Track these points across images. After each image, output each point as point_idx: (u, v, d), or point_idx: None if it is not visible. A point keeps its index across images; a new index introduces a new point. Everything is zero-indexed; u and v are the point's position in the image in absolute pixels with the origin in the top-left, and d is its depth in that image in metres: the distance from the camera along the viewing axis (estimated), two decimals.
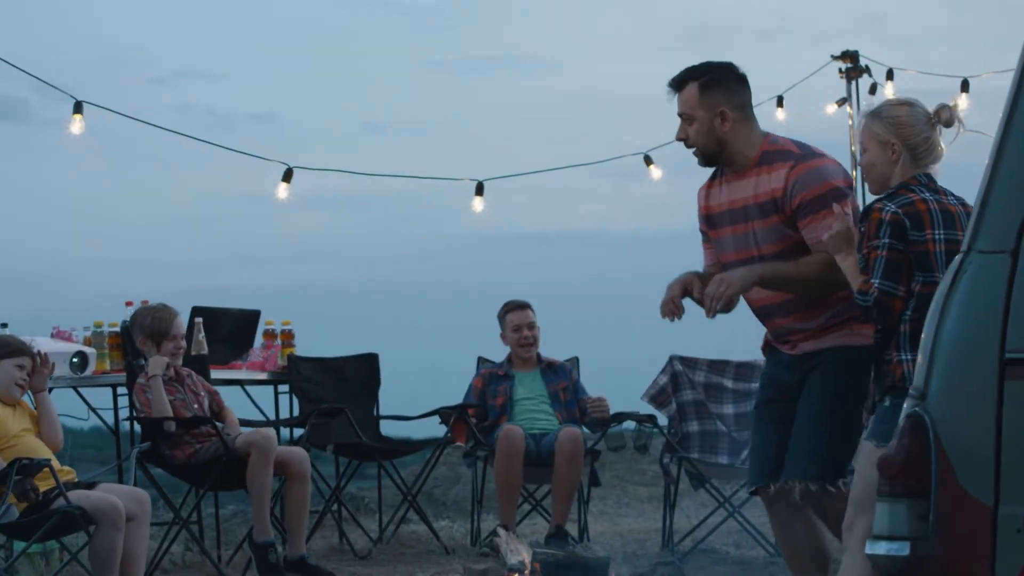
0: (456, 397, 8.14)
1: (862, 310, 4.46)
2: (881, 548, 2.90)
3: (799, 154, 4.67)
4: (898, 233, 4.42)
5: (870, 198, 4.62)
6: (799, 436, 4.65)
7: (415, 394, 9.68)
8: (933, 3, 21.00)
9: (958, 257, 3.11)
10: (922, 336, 3.09)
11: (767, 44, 21.78)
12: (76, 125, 7.79)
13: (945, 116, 4.59)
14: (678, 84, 4.72)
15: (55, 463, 5.77)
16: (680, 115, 4.73)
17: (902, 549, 2.88)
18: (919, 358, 3.09)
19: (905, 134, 4.56)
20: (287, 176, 8.68)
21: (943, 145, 4.63)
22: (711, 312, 4.60)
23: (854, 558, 4.46)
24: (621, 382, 8.57)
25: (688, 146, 4.75)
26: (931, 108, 4.64)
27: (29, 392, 6.13)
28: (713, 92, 4.69)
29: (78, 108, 7.80)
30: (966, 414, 2.94)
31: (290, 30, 22.27)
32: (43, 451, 5.90)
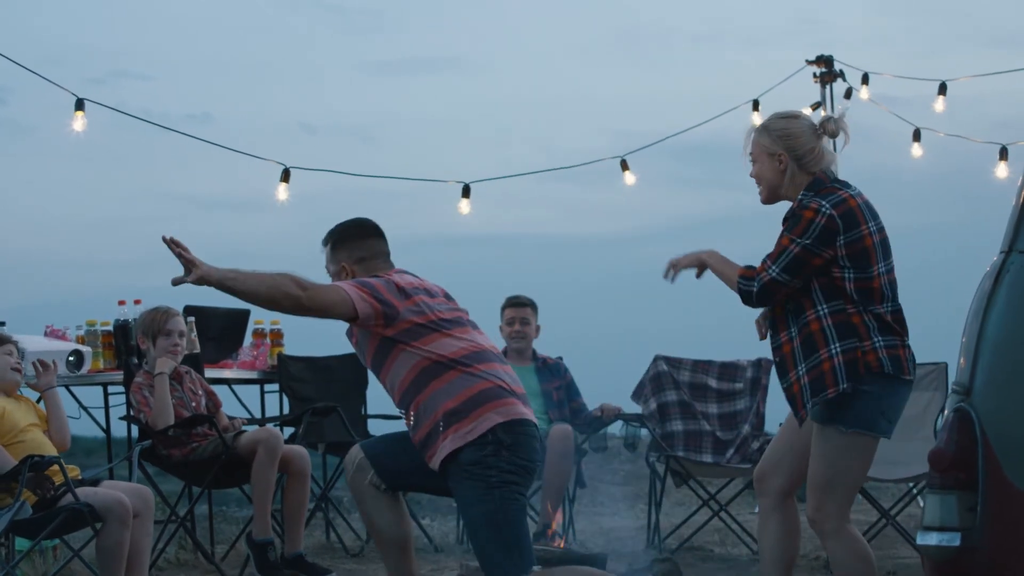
0: None
1: (743, 295, 4.70)
2: (932, 539, 3.01)
3: None
4: (826, 239, 4.62)
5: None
6: (474, 545, 4.99)
7: None
8: (861, 8, 21.25)
9: (998, 257, 3.22)
10: (963, 336, 3.21)
11: (699, 47, 21.99)
12: (78, 122, 7.82)
13: (830, 128, 4.85)
14: (324, 243, 5.28)
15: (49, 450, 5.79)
16: (325, 268, 5.26)
17: (953, 540, 2.99)
18: (961, 359, 3.20)
19: (791, 145, 4.80)
20: (285, 176, 8.73)
21: (833, 153, 4.88)
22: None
23: (837, 541, 4.64)
24: (602, 382, 8.65)
25: None
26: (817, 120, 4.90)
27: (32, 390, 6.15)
28: (339, 251, 5.21)
29: (79, 105, 7.82)
30: (1011, 409, 3.04)
31: (227, 31, 22.25)
32: (50, 447, 5.92)
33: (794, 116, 4.89)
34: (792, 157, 4.78)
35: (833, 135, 4.82)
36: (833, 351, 4.61)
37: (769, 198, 4.87)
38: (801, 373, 4.67)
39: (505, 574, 4.86)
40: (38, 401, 6.26)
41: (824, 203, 4.65)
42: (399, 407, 5.07)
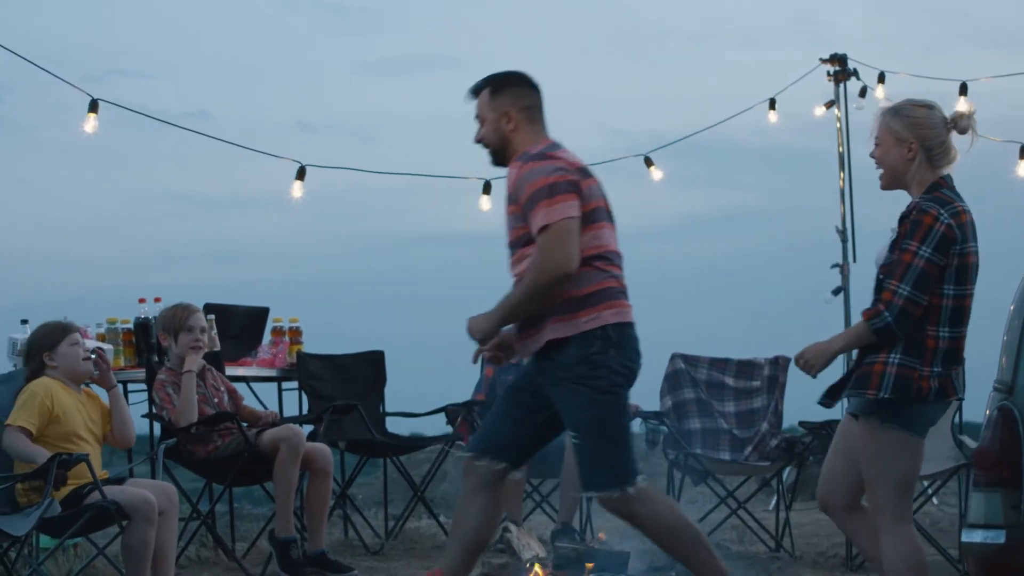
0: (457, 394, 8.22)
1: (880, 334, 4.54)
2: (977, 536, 3.03)
3: (531, 155, 4.96)
4: (944, 247, 4.56)
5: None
6: (579, 452, 4.95)
7: (416, 391, 9.73)
8: (860, 8, 21.28)
9: None
10: (1004, 333, 3.22)
11: (698, 47, 21.98)
12: (90, 123, 7.80)
13: (962, 124, 4.77)
14: (475, 90, 5.14)
15: (95, 460, 5.79)
16: (475, 118, 5.14)
17: (998, 537, 3.00)
18: (1002, 357, 3.21)
19: (924, 135, 4.73)
20: (300, 174, 8.74)
21: (958, 151, 4.79)
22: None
23: (888, 538, 4.61)
24: None
25: (484, 146, 5.14)
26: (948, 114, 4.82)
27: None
28: (501, 95, 5.07)
29: (93, 107, 7.82)
30: None
31: (225, 30, 22.26)
32: (98, 463, 5.90)
33: (929, 106, 4.83)
34: (922, 147, 4.72)
35: (963, 132, 4.77)
36: (891, 360, 4.58)
37: (890, 184, 4.83)
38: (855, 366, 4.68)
39: (607, 483, 4.85)
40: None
41: (943, 211, 4.60)
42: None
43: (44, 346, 6.02)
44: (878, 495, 4.65)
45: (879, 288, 4.66)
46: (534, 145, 5.01)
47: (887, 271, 4.64)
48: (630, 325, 4.95)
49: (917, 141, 4.73)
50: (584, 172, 4.94)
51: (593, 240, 4.89)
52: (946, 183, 4.74)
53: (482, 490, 5.04)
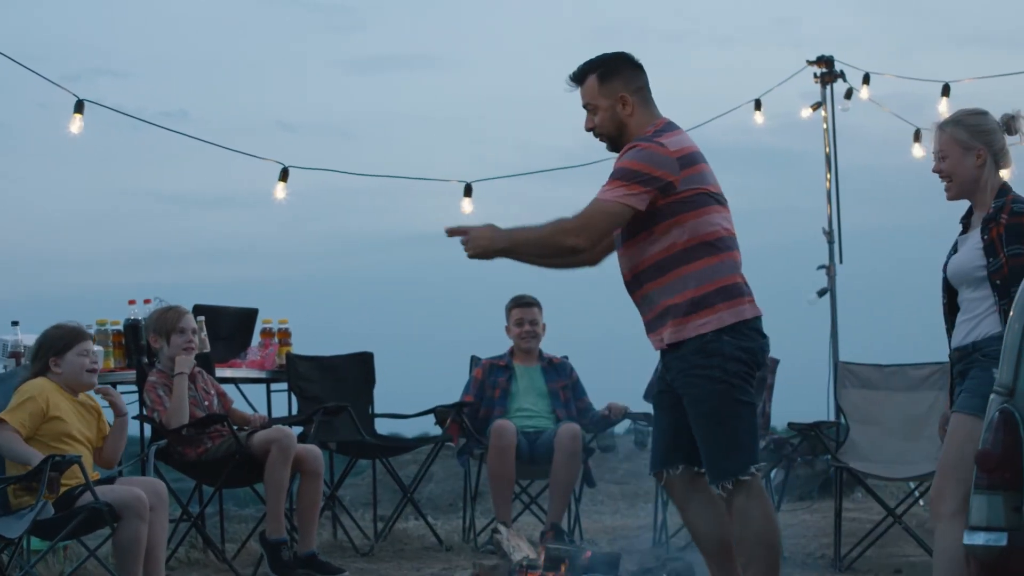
0: (445, 396, 8.23)
1: None
2: (979, 539, 3.05)
3: (641, 137, 4.86)
4: None
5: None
6: (699, 444, 4.84)
7: (404, 393, 9.74)
8: (838, 7, 21.34)
9: None
10: (1006, 335, 3.24)
11: (675, 47, 22.01)
12: (76, 124, 7.76)
13: (1013, 127, 4.84)
14: (579, 77, 4.99)
15: (87, 462, 5.78)
16: (585, 106, 5.00)
17: (1000, 540, 3.02)
18: (1004, 360, 3.23)
19: (989, 140, 4.80)
20: (283, 176, 8.72)
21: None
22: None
23: (950, 528, 4.53)
24: (609, 381, 8.67)
25: (596, 135, 5.00)
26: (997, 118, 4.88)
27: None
28: (612, 80, 4.94)
29: (79, 107, 7.79)
30: None
31: (203, 28, 22.19)
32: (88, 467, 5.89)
33: (982, 112, 4.88)
34: (990, 152, 4.78)
35: (1014, 133, 4.83)
36: None
37: (959, 194, 4.86)
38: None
39: (723, 474, 4.76)
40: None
41: None
42: (631, 280, 4.91)
43: (52, 350, 5.99)
44: (950, 483, 4.59)
45: (1002, 293, 4.61)
46: (649, 127, 4.89)
47: (1005, 278, 4.62)
48: (753, 319, 4.82)
49: (984, 147, 4.80)
50: (687, 160, 4.80)
51: (703, 226, 4.78)
52: (1009, 187, 4.82)
53: (687, 498, 4.96)
